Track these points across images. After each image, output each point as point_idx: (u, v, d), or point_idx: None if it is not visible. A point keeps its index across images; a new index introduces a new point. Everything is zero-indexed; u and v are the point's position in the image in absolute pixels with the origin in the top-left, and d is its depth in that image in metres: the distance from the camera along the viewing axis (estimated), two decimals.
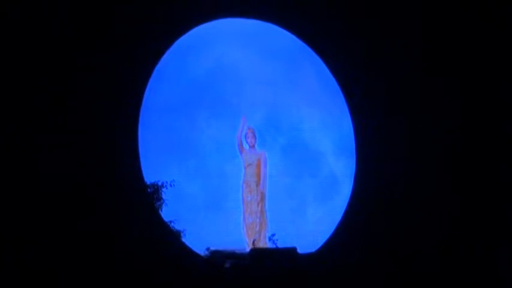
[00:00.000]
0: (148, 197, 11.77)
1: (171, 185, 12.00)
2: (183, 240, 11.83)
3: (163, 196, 11.93)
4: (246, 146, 12.79)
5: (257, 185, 12.62)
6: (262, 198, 12.61)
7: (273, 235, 12.24)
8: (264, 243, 12.35)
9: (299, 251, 11.84)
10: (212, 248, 11.80)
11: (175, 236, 11.78)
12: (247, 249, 12.01)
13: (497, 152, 12.67)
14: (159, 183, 11.94)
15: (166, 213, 11.86)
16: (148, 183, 11.81)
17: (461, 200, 12.48)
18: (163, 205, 11.91)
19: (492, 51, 12.88)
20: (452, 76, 12.88)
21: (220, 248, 11.82)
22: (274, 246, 12.13)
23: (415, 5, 12.94)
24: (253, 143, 12.76)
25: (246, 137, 12.79)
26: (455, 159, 12.67)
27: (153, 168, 11.94)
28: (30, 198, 10.69)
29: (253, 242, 12.24)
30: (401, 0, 12.92)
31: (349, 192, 12.83)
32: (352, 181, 12.88)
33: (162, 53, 12.12)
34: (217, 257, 11.64)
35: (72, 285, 10.49)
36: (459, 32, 12.93)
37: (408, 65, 12.92)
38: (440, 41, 12.93)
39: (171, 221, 11.85)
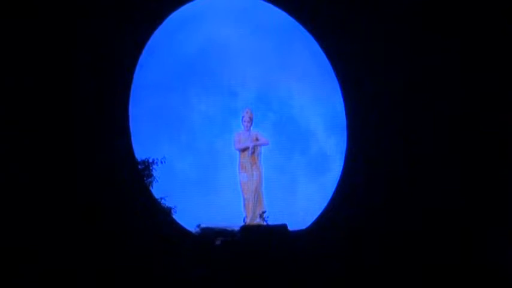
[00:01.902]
0: (139, 174, 11.76)
1: (162, 162, 11.99)
2: (174, 217, 11.85)
3: (154, 173, 11.92)
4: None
5: (252, 165, 12.60)
6: (259, 177, 12.59)
7: (264, 212, 12.26)
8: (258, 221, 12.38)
9: (290, 228, 11.89)
10: (203, 225, 11.84)
11: (166, 212, 11.79)
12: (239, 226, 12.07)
13: (496, 136, 12.70)
14: (150, 160, 11.92)
15: (157, 190, 11.86)
16: (139, 160, 11.80)
17: (454, 176, 12.50)
18: (154, 182, 11.91)
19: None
20: (447, 53, 12.86)
21: (211, 225, 11.86)
22: (265, 223, 12.15)
23: None
24: (249, 126, 12.73)
25: (242, 120, 12.73)
26: (449, 136, 12.69)
27: (144, 145, 11.94)
28: (22, 178, 10.70)
29: (244, 220, 12.26)
30: None
31: (340, 169, 12.85)
32: (343, 158, 12.90)
33: (153, 29, 12.07)
34: (208, 234, 11.68)
35: (61, 261, 10.52)
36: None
37: (401, 40, 12.88)
38: (437, 18, 12.91)
39: (161, 198, 11.86)
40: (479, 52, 12.76)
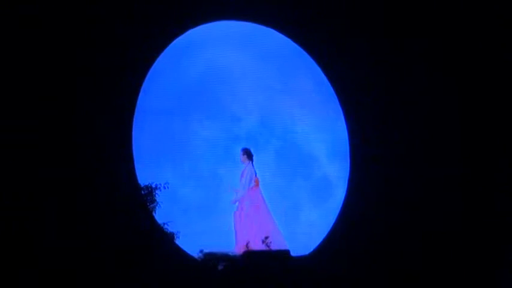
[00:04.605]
0: (142, 199, 11.74)
1: (164, 187, 11.93)
2: (177, 242, 11.82)
3: (157, 198, 11.88)
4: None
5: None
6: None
7: (266, 237, 12.22)
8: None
9: (292, 253, 11.85)
10: (205, 250, 11.79)
11: (169, 238, 11.76)
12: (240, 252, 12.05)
13: (495, 154, 12.69)
14: (153, 185, 11.86)
15: (160, 215, 11.81)
16: (142, 185, 11.77)
17: (457, 201, 12.49)
18: (157, 207, 11.86)
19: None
20: (448, 78, 12.89)
21: (214, 250, 11.83)
22: (268, 248, 12.11)
23: (411, 8, 12.97)
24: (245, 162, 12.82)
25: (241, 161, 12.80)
26: (450, 161, 12.69)
27: (147, 170, 11.94)
28: (22, 200, 10.70)
29: (247, 244, 12.22)
30: (398, 3, 12.94)
31: (343, 195, 12.84)
32: (346, 184, 12.88)
33: (157, 55, 12.12)
34: (211, 259, 11.62)
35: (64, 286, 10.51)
36: (456, 33, 12.96)
37: (403, 68, 12.93)
38: (437, 43, 12.94)
39: (164, 223, 11.80)
40: (483, 76, 12.83)
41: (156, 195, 11.87)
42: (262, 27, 12.96)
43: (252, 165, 12.69)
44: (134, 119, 11.82)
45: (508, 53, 12.86)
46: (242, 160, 12.73)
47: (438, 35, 12.96)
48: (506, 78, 12.84)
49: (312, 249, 12.38)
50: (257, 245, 12.23)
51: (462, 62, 12.95)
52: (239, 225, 12.50)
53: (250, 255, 11.81)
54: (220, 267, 11.46)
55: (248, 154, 12.73)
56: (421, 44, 12.97)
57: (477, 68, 12.91)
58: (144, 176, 11.83)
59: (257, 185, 12.65)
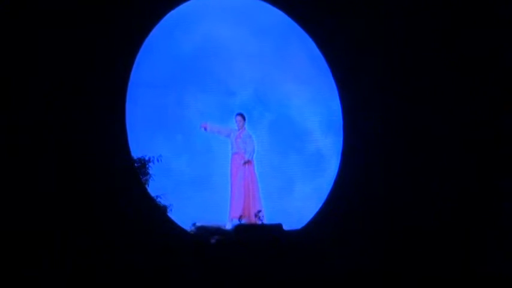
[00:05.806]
0: (135, 172, 11.77)
1: (158, 160, 12.01)
2: (169, 215, 11.86)
3: (150, 171, 11.95)
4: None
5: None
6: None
7: (259, 211, 12.29)
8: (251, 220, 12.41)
9: (285, 227, 11.89)
10: (198, 224, 11.86)
11: (162, 211, 11.81)
12: (231, 225, 12.10)
13: (493, 139, 12.69)
14: (146, 158, 11.95)
15: (152, 188, 11.87)
16: (135, 158, 11.81)
17: (451, 178, 12.50)
18: (150, 180, 11.93)
19: (488, 34, 12.86)
20: (444, 55, 12.86)
21: (206, 223, 11.88)
22: (260, 222, 12.17)
23: None
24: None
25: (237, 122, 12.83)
26: (444, 136, 12.68)
27: (140, 143, 11.93)
28: (16, 176, 10.72)
29: (240, 217, 12.28)
30: None
31: (336, 169, 12.83)
32: (340, 158, 12.88)
33: (151, 27, 12.06)
34: (203, 233, 11.69)
35: (55, 258, 10.53)
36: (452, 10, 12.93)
37: (398, 42, 12.88)
38: (433, 19, 12.89)
39: (157, 196, 11.87)
40: (482, 50, 12.79)
41: (149, 168, 11.94)
42: (258, 1, 12.88)
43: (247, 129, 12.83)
44: (128, 92, 11.76)
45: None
46: (240, 126, 12.74)
47: (436, 11, 12.92)
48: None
49: (304, 224, 12.37)
50: (250, 219, 12.34)
51: (459, 38, 12.92)
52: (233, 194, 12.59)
53: (242, 228, 11.87)
54: (212, 241, 11.51)
55: (245, 118, 12.77)
56: (418, 15, 12.91)
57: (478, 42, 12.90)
58: (137, 148, 11.83)
59: None
